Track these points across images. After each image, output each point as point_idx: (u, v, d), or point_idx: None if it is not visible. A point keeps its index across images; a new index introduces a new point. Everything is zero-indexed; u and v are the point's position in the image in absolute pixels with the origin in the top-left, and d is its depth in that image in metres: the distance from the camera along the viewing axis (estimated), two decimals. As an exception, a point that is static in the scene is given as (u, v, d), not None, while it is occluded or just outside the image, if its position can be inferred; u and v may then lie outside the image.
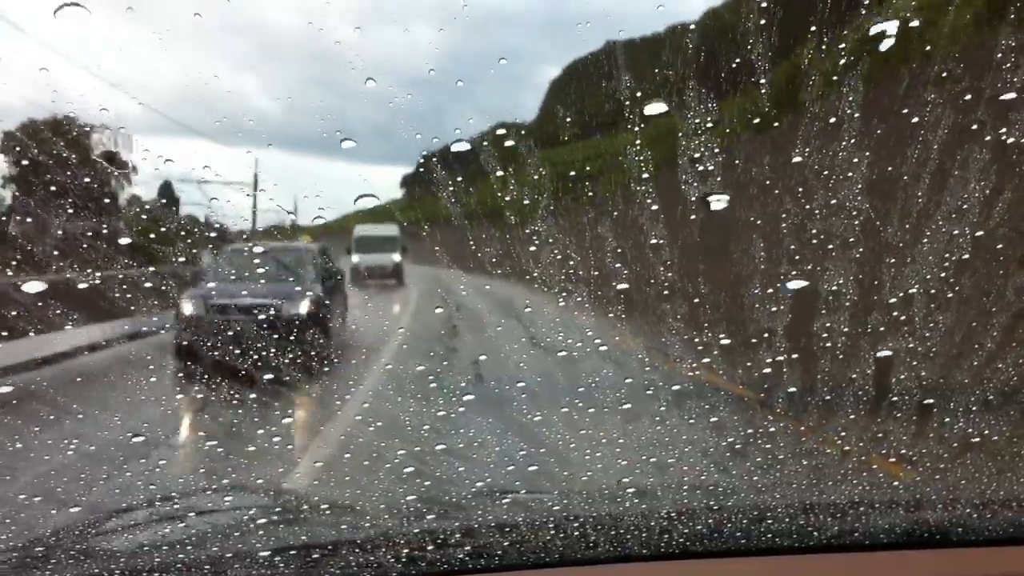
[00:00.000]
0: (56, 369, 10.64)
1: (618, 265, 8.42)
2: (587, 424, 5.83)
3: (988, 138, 6.55)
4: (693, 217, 7.29)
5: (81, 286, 5.41)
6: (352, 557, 1.89)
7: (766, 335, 6.72)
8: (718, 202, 5.89)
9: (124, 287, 6.66)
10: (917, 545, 1.99)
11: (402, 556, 1.88)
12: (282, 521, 2.48)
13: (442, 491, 3.50)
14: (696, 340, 7.93)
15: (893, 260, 6.70)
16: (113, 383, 9.19)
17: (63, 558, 2.08)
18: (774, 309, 7.14)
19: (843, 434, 4.94)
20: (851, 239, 6.85)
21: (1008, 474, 3.80)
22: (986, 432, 4.63)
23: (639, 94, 6.07)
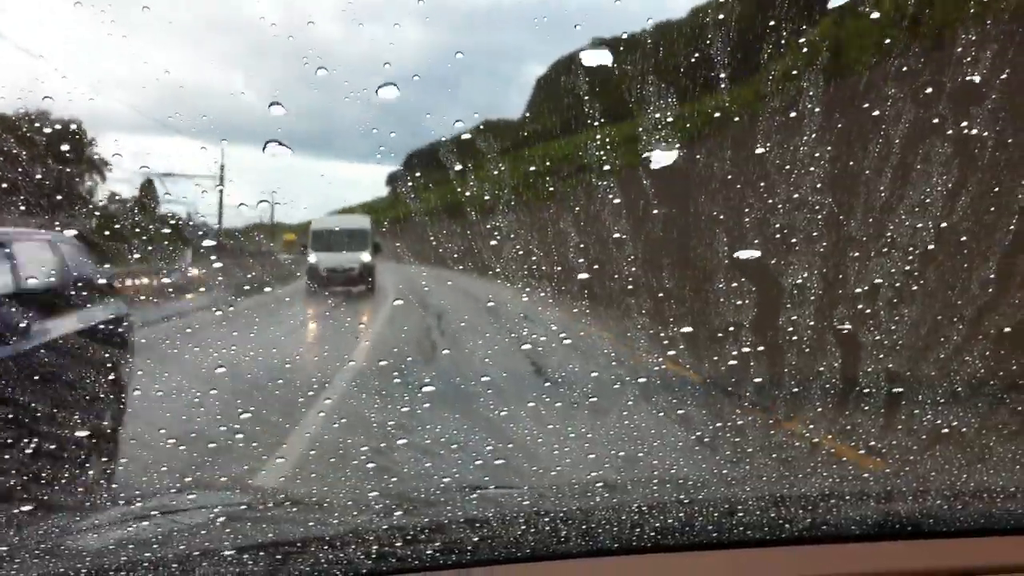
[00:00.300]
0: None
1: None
2: (555, 419, 5.82)
3: (952, 131, 6.63)
4: (664, 211, 7.34)
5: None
6: (321, 554, 1.86)
7: (733, 328, 6.76)
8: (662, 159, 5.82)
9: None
10: (888, 536, 1.99)
11: (372, 552, 1.85)
12: (249, 519, 2.44)
13: (410, 487, 3.47)
14: (662, 333, 7.96)
15: (859, 253, 6.75)
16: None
17: (27, 557, 2.04)
18: (740, 302, 7.18)
19: (811, 426, 4.97)
20: (816, 231, 6.90)
21: (978, 465, 3.84)
22: (955, 423, 4.68)
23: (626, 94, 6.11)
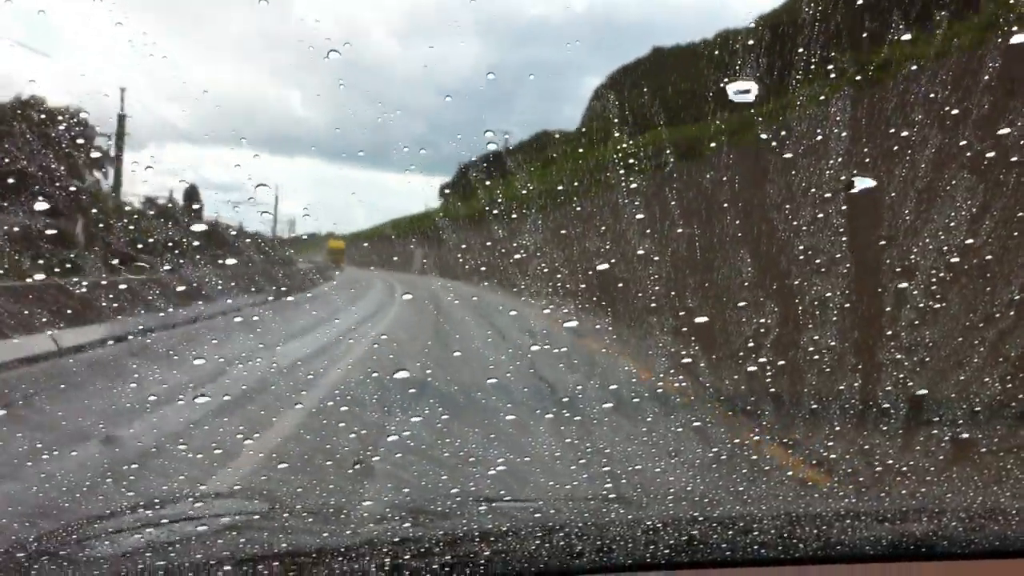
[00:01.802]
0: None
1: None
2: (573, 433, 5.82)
3: (975, 150, 6.59)
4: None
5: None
6: (336, 564, 1.87)
7: (754, 345, 6.73)
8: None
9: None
10: (903, 557, 1.98)
11: (385, 564, 1.87)
12: (265, 528, 2.46)
13: (426, 499, 3.48)
14: (679, 351, 7.92)
15: (889, 271, 6.72)
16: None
17: (45, 563, 2.06)
18: (761, 321, 7.15)
19: (829, 445, 4.94)
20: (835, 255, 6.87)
21: (994, 487, 3.80)
22: (972, 445, 4.64)
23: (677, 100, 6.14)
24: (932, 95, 7.25)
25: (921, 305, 6.12)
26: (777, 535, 2.03)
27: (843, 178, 6.50)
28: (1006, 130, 6.51)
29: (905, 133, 7.15)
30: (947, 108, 7.02)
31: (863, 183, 6.28)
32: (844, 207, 6.74)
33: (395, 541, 2.01)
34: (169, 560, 1.97)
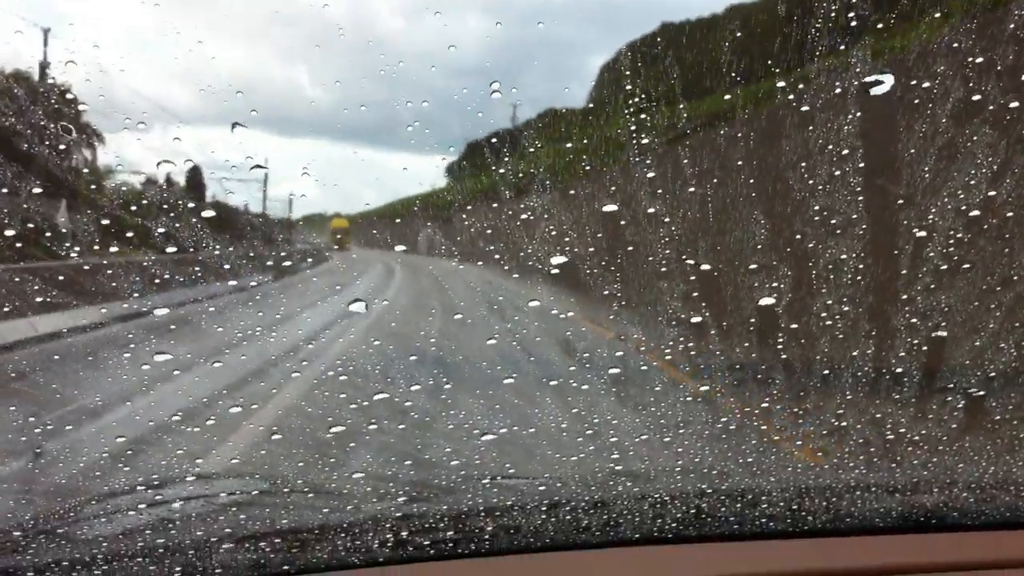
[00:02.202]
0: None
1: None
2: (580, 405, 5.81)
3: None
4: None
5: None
6: (340, 541, 1.86)
7: (764, 315, 6.69)
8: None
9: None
10: (913, 529, 1.96)
11: (389, 540, 1.85)
12: (267, 504, 2.45)
13: (431, 474, 3.47)
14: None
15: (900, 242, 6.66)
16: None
17: (43, 542, 2.05)
18: (773, 286, 7.10)
19: (840, 414, 4.91)
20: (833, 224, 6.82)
21: (1007, 456, 3.77)
22: (986, 414, 4.60)
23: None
24: (955, 45, 7.13)
25: (937, 269, 6.06)
26: (786, 508, 2.01)
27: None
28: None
29: (927, 85, 7.02)
30: (969, 60, 6.91)
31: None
32: (861, 165, 6.67)
33: (398, 517, 1.99)
34: (169, 538, 1.95)
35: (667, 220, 7.63)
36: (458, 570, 1.82)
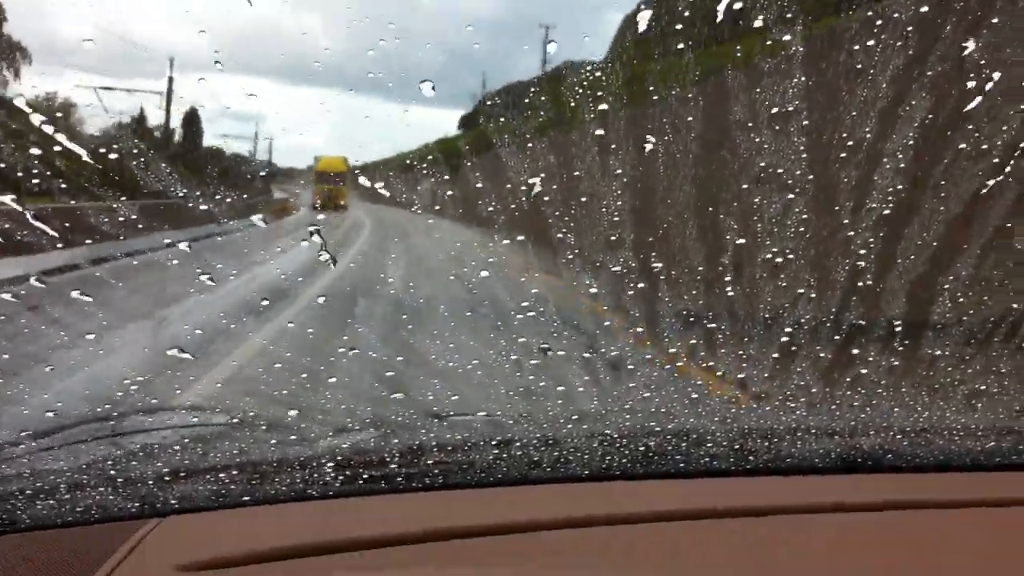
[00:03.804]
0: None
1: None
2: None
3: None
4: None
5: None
6: (297, 474, 1.88)
7: (722, 266, 6.79)
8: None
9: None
10: (850, 470, 2.03)
11: (345, 474, 1.88)
12: (226, 438, 2.47)
13: (387, 412, 3.51)
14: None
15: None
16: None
17: (4, 470, 2.05)
18: (719, 240, 7.19)
19: (781, 358, 5.03)
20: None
21: (940, 402, 3.90)
22: (921, 361, 4.75)
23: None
24: (896, 15, 7.21)
25: (876, 222, 6.19)
26: (729, 447, 2.07)
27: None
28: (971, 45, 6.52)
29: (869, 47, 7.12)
30: (910, 28, 7.00)
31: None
32: (804, 124, 6.75)
33: (354, 452, 2.03)
34: (131, 469, 1.97)
35: (621, 174, 7.64)
36: (411, 503, 1.85)
